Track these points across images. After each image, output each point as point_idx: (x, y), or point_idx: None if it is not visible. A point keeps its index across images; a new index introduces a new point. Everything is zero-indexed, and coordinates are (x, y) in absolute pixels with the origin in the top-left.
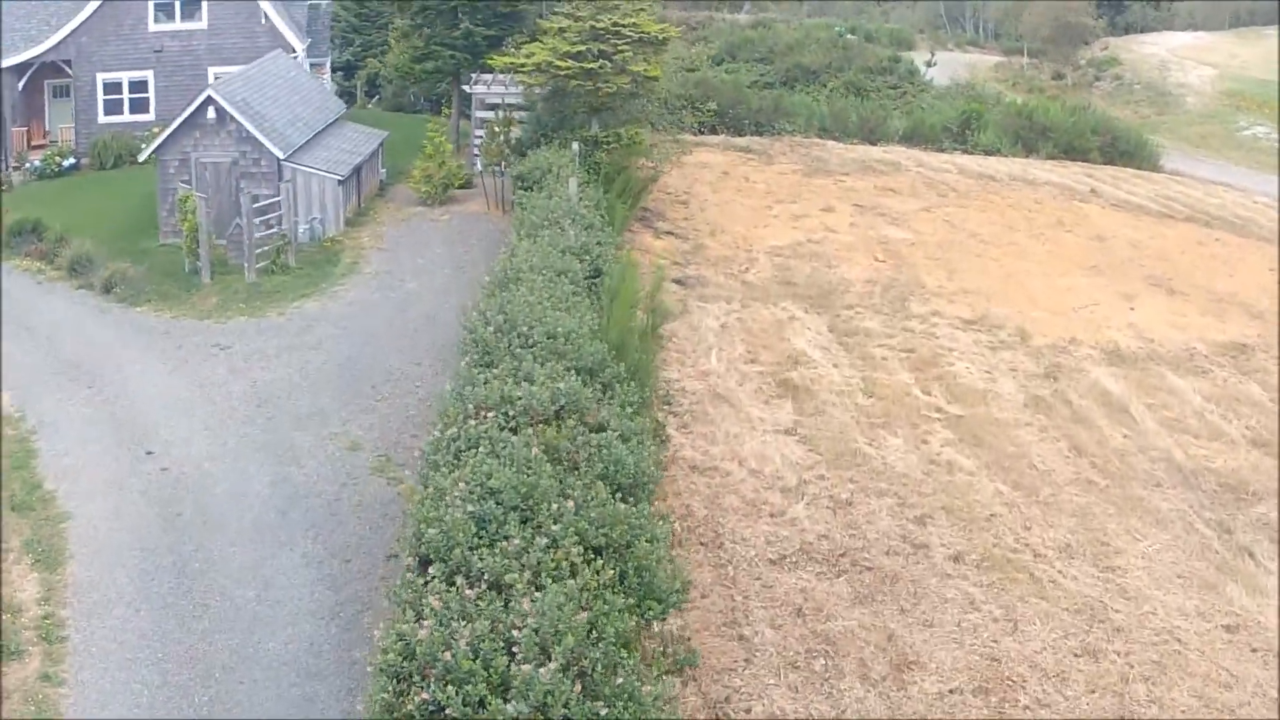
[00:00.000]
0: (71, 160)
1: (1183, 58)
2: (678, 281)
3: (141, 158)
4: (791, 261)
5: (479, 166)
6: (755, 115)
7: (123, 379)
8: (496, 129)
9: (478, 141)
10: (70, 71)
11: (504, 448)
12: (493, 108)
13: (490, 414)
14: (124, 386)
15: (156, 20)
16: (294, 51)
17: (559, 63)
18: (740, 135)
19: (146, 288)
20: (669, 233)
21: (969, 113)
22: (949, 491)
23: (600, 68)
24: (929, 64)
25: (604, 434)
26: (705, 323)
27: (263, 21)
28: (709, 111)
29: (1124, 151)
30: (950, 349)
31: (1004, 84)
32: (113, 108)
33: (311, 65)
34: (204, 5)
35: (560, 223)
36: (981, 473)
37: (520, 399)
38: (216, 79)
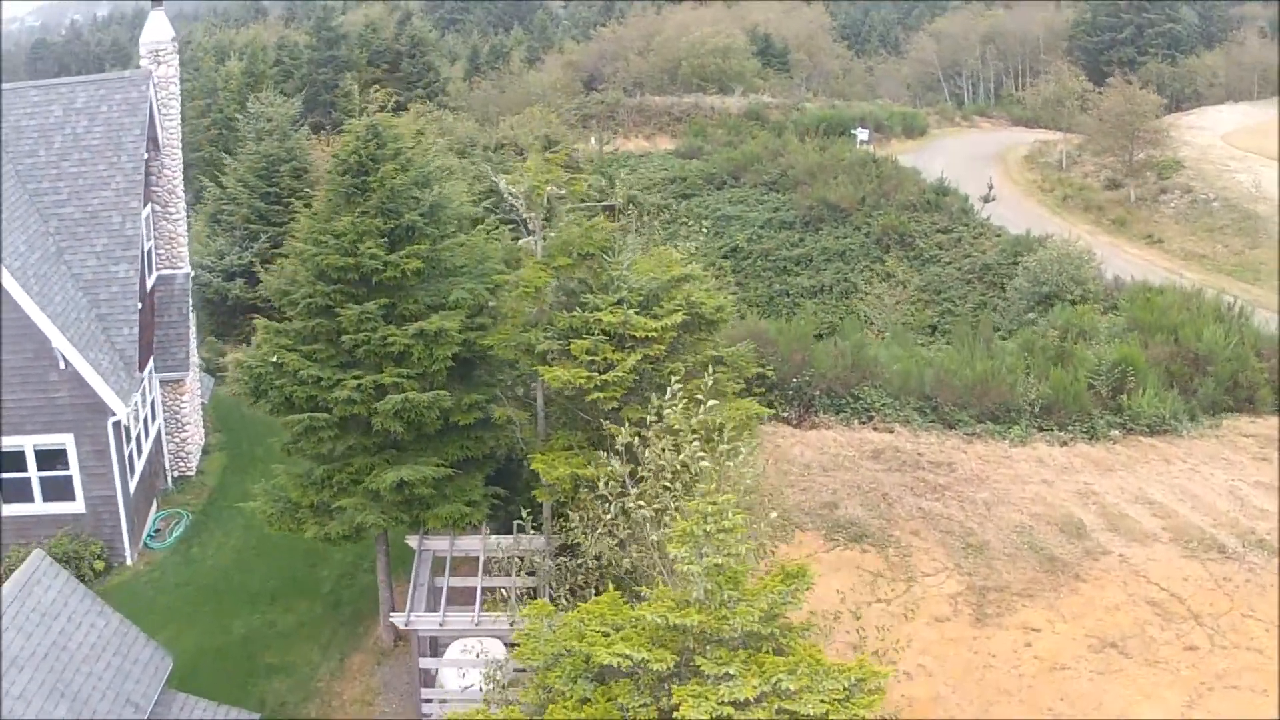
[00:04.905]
0: None
1: (1243, 149)
2: None
3: None
4: None
5: None
6: (827, 381)
7: None
8: None
9: None
10: None
11: None
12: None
13: None
14: None
15: None
16: (113, 414)
17: None
18: (804, 421)
19: None
20: None
21: (1121, 363)
22: None
23: None
24: (986, 199)
25: None
26: None
27: (61, 366)
28: (759, 381)
29: None
30: None
31: (1048, 194)
32: None
33: (163, 384)
34: None
35: None
36: None
37: None
38: None
